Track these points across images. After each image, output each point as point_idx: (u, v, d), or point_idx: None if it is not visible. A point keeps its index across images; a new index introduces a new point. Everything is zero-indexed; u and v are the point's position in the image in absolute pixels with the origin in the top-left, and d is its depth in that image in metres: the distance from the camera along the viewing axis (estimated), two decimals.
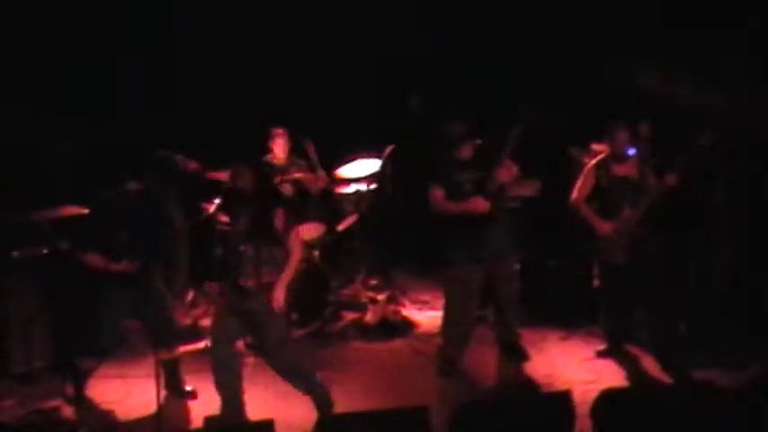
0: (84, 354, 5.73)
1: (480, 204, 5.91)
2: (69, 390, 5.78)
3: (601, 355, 6.39)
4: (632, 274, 6.05)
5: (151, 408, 5.41)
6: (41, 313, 6.20)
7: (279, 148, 7.32)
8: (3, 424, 5.53)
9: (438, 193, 6.02)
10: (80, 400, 5.76)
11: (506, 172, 5.96)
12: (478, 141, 6.05)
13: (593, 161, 6.24)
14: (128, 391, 5.91)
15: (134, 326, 5.98)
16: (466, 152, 6.03)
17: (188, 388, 5.93)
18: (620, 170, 6.07)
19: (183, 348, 6.28)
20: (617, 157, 6.08)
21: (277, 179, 7.24)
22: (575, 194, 6.21)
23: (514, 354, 6.40)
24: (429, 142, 6.50)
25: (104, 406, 5.79)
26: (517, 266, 6.42)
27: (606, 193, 6.09)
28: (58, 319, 6.25)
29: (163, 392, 5.57)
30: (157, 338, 5.71)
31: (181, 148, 6.90)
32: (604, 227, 6.06)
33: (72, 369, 5.79)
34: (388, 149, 7.51)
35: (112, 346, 5.77)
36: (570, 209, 6.23)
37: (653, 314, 6.23)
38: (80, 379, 5.78)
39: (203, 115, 7.82)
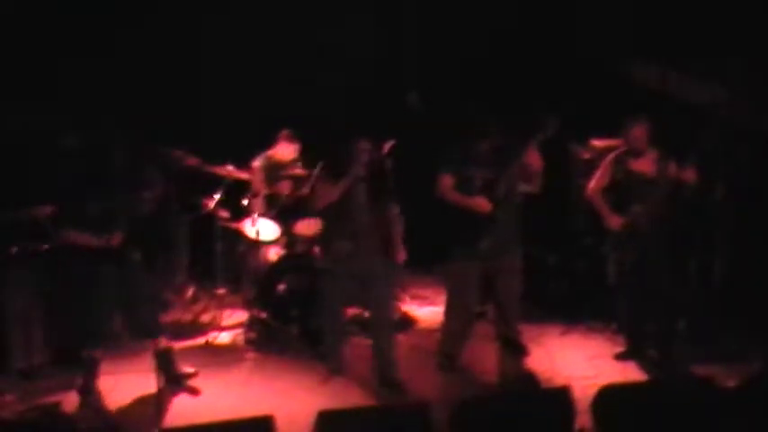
0: (90, 344, 5.74)
1: (483, 205, 5.89)
2: (79, 382, 5.79)
3: (620, 357, 6.33)
4: (644, 271, 6.03)
5: (150, 402, 5.41)
6: (42, 308, 6.20)
7: (281, 149, 7.30)
8: (3, 419, 5.53)
9: (446, 180, 6.01)
10: (91, 392, 5.78)
11: (535, 157, 5.95)
12: (498, 142, 6.04)
13: (612, 154, 6.20)
14: (126, 386, 5.90)
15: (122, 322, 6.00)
16: (483, 150, 6.03)
17: (188, 369, 5.95)
18: (638, 166, 6.01)
19: (183, 343, 6.28)
20: (633, 152, 6.02)
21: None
22: (591, 185, 6.21)
23: (514, 350, 6.39)
24: (440, 135, 6.52)
25: (104, 402, 5.79)
26: (520, 261, 6.32)
27: (621, 188, 6.06)
28: (61, 312, 6.25)
29: (161, 385, 5.57)
30: (140, 330, 5.71)
31: (181, 145, 6.90)
32: (614, 221, 6.05)
33: (82, 361, 5.80)
34: (388, 145, 7.50)
35: (109, 333, 5.79)
36: (586, 199, 6.23)
37: (660, 311, 6.19)
38: (90, 370, 5.80)
39: (204, 112, 7.81)
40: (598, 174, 6.20)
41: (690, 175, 5.84)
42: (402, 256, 6.07)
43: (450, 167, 6.03)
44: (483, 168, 5.97)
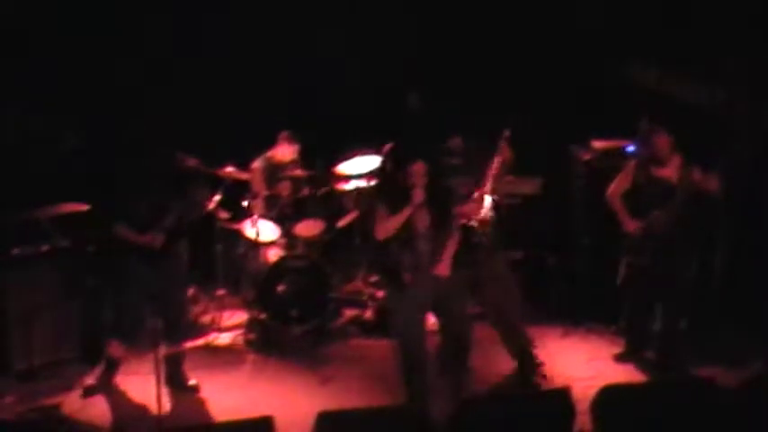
0: (114, 341, 5.79)
1: (471, 211, 5.86)
2: (97, 378, 5.87)
3: (620, 358, 6.31)
4: (657, 275, 6.01)
5: (153, 403, 5.41)
6: (50, 308, 6.20)
7: (281, 150, 7.30)
8: (2, 421, 5.53)
9: None
10: (110, 389, 5.82)
11: (506, 152, 5.92)
12: (466, 145, 6.02)
13: (634, 160, 6.18)
14: (130, 387, 5.91)
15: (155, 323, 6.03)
16: (457, 157, 6.01)
17: (191, 382, 5.94)
18: (661, 172, 5.98)
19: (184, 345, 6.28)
20: (656, 161, 5.99)
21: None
22: (611, 188, 6.18)
23: (531, 367, 6.14)
24: (427, 143, 6.47)
25: (106, 402, 5.79)
26: (504, 265, 6.18)
27: (641, 193, 6.04)
28: (83, 308, 6.31)
29: (165, 388, 5.58)
30: (167, 331, 5.73)
31: (181, 146, 6.89)
32: (631, 225, 6.04)
33: (103, 357, 5.86)
34: (388, 146, 7.51)
35: (135, 331, 5.82)
36: (606, 202, 6.20)
37: (667, 314, 6.17)
38: (111, 366, 5.85)
39: (204, 114, 7.81)
40: (619, 177, 6.17)
41: (713, 184, 5.82)
42: (444, 270, 5.54)
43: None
44: (460, 177, 5.94)
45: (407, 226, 5.45)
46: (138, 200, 5.63)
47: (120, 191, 5.68)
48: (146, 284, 5.67)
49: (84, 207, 6.29)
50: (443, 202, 5.56)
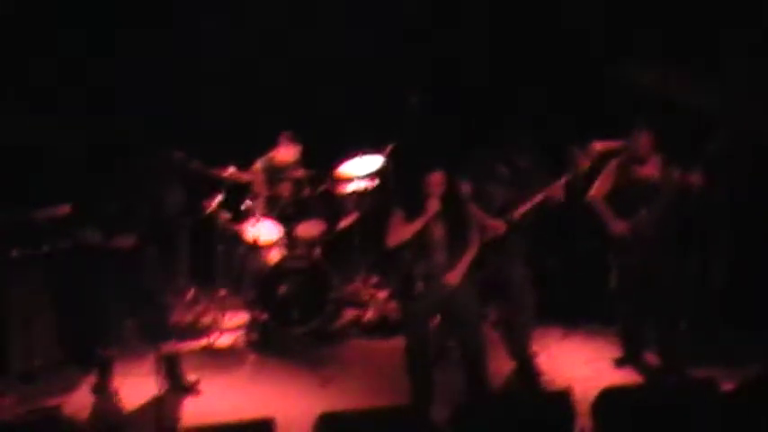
0: (104, 342, 5.79)
1: (498, 227, 5.86)
2: (94, 381, 5.85)
3: (619, 363, 6.28)
4: (649, 275, 5.99)
5: (152, 404, 5.42)
6: (54, 308, 6.20)
7: (283, 151, 7.31)
8: (2, 422, 5.54)
9: (465, 189, 5.85)
10: (106, 391, 5.81)
11: (558, 189, 5.93)
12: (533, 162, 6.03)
13: (616, 160, 6.14)
14: (129, 388, 5.91)
15: (133, 325, 6.02)
16: (507, 168, 6.00)
17: (191, 382, 5.94)
18: (643, 171, 5.95)
19: (184, 346, 6.30)
20: (637, 159, 5.98)
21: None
22: (593, 191, 6.13)
23: (530, 377, 6.15)
24: (434, 141, 6.46)
25: (116, 402, 5.80)
26: (523, 272, 6.12)
27: (625, 193, 6.00)
28: (74, 312, 6.28)
29: (165, 389, 5.58)
30: (151, 333, 5.72)
31: (180, 147, 6.90)
32: (619, 226, 5.98)
33: (97, 360, 5.84)
34: (390, 147, 7.52)
35: (119, 334, 5.83)
36: (588, 205, 6.14)
37: (663, 315, 6.16)
38: (106, 368, 5.83)
39: (205, 114, 7.81)
40: (601, 179, 6.12)
41: (695, 178, 5.81)
42: (454, 279, 5.49)
43: (471, 178, 5.92)
44: (504, 187, 5.94)
45: (422, 235, 5.42)
46: (107, 201, 5.58)
47: (91, 193, 5.66)
48: (120, 286, 5.64)
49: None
50: (460, 213, 5.51)
